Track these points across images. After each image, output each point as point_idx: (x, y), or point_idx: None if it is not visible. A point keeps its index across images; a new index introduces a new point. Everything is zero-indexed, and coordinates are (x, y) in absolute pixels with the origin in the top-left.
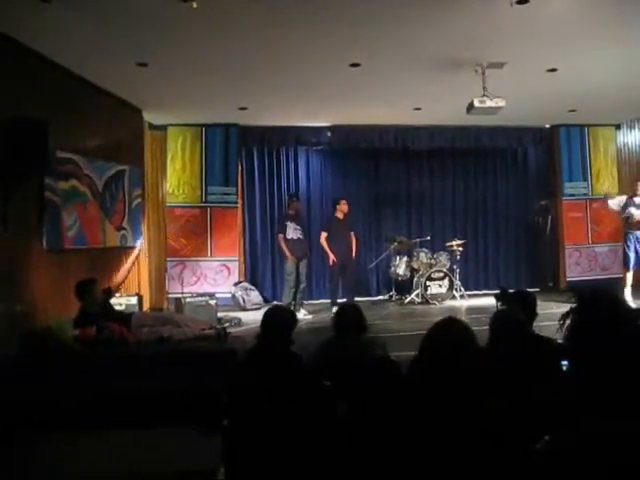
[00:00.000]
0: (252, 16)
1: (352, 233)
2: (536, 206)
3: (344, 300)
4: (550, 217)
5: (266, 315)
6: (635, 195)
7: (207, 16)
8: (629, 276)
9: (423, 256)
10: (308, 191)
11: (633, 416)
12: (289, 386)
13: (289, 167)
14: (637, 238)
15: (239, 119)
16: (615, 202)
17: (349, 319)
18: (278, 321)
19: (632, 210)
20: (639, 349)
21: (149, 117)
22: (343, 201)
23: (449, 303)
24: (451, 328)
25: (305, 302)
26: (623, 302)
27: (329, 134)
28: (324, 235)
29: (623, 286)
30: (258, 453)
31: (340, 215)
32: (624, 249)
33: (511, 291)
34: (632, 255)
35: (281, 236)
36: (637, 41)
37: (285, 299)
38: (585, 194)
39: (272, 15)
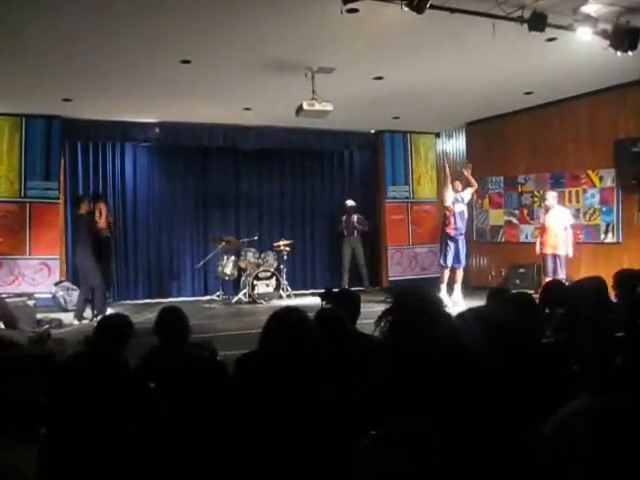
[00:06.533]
0: (80, 6)
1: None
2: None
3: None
4: (354, 217)
5: (100, 324)
6: (457, 192)
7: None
8: (447, 273)
9: (250, 256)
10: (134, 188)
11: (443, 410)
12: (114, 392)
13: (115, 163)
14: (455, 239)
15: (63, 111)
16: (448, 198)
17: (171, 324)
18: (114, 331)
19: (456, 206)
20: (448, 343)
21: None
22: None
23: (276, 302)
24: (292, 314)
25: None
26: (433, 297)
27: (157, 131)
28: None
29: (440, 283)
30: (81, 459)
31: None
32: (443, 248)
33: (336, 290)
34: (450, 254)
35: None
36: (459, 57)
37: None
38: (407, 197)
39: (100, 7)
